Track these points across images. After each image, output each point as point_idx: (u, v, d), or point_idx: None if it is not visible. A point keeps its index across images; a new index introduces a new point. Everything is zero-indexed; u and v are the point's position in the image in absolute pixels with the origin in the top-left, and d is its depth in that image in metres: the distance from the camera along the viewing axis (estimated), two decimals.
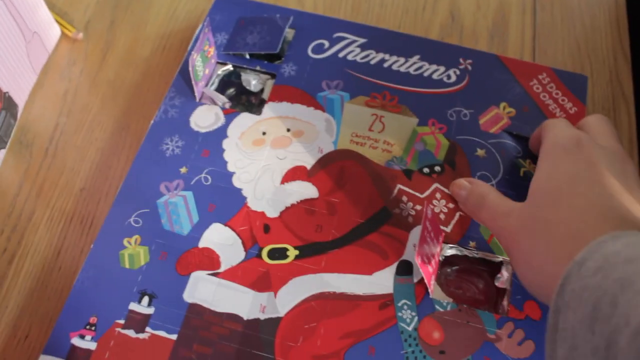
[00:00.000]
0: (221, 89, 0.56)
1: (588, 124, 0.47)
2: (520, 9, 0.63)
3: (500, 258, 0.47)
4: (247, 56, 0.57)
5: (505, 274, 0.46)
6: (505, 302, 0.45)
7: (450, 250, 0.48)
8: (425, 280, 0.45)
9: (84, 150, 0.55)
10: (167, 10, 0.63)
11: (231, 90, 0.56)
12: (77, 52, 0.61)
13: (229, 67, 0.57)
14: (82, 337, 0.44)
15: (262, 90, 0.56)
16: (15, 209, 0.52)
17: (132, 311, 0.45)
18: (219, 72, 0.57)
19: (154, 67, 0.60)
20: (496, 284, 0.47)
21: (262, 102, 0.55)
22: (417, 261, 0.43)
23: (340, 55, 0.57)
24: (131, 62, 0.60)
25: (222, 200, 0.50)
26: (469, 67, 0.56)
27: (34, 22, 0.56)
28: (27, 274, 0.49)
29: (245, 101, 0.56)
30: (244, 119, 0.54)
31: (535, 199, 0.43)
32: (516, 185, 0.50)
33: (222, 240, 0.48)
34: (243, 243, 0.48)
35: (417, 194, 0.50)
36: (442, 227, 0.48)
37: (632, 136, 0.55)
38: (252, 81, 0.56)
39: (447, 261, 0.48)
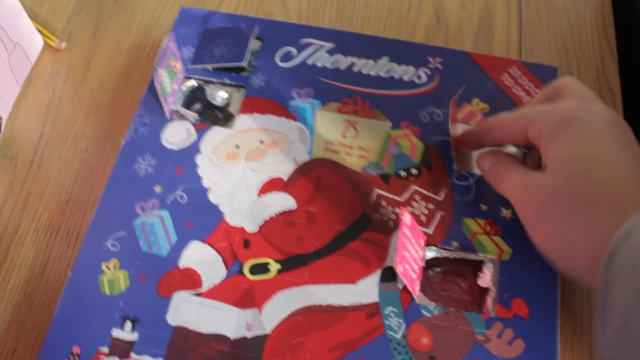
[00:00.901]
0: (187, 105, 0.55)
1: (567, 88, 0.45)
2: (506, 8, 0.63)
3: (481, 257, 0.47)
4: (211, 69, 0.56)
5: (486, 272, 0.46)
6: (489, 301, 0.45)
7: (430, 253, 0.47)
8: (409, 288, 0.45)
9: (69, 162, 0.54)
10: (150, 19, 0.62)
11: (198, 106, 0.55)
12: (60, 63, 0.60)
13: (193, 82, 0.56)
14: None
15: (228, 104, 0.55)
16: (1, 222, 0.52)
17: (115, 338, 0.44)
18: (183, 88, 0.56)
19: (138, 76, 0.59)
20: (478, 282, 0.46)
21: (230, 116, 0.54)
22: (398, 270, 0.43)
23: (309, 62, 0.56)
24: (115, 72, 0.59)
25: (200, 217, 0.49)
26: (439, 66, 0.55)
27: (15, 32, 0.55)
28: (13, 288, 0.49)
29: (213, 115, 0.55)
30: (216, 133, 0.53)
31: (561, 170, 0.41)
32: None
33: (202, 258, 0.47)
34: (224, 260, 0.47)
35: (395, 197, 0.50)
36: (423, 229, 0.48)
37: None
38: (217, 95, 0.55)
39: (429, 264, 0.47)
